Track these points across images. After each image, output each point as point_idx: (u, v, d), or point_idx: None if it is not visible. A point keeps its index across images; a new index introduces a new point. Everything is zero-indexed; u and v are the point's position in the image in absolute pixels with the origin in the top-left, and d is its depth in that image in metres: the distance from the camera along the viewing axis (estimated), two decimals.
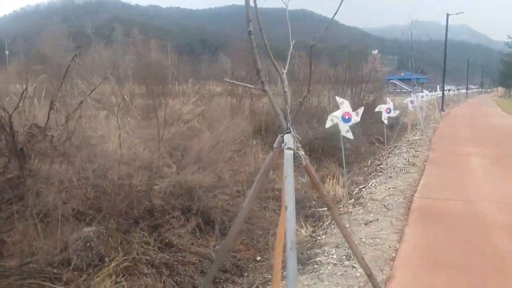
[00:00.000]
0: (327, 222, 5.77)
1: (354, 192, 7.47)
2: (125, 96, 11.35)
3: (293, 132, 2.60)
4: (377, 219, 5.44)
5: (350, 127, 4.89)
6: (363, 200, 6.46)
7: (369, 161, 11.52)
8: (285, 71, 2.68)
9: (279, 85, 14.41)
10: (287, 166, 2.53)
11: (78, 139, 4.63)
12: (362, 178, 9.48)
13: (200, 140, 6.99)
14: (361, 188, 7.58)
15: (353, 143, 14.30)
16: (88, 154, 4.69)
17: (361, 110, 5.07)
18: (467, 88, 75.97)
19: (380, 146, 14.85)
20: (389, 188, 7.08)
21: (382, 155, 11.63)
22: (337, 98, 5.23)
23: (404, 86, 65.67)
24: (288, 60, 2.83)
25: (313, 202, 7.62)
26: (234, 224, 3.01)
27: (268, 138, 11.20)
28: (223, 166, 6.27)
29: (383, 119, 7.32)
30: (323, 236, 5.08)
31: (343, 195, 7.62)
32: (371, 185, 7.55)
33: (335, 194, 7.78)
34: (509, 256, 4.21)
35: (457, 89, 65.52)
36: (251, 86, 3.90)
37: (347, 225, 4.53)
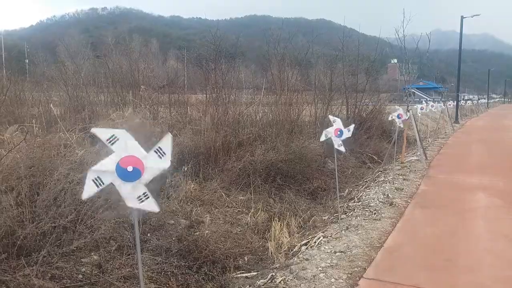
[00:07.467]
0: None
1: (292, 252, 5.07)
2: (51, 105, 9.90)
3: None
4: None
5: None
6: (284, 279, 4.03)
7: (347, 190, 9.10)
8: None
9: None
10: None
11: None
12: (327, 217, 7.12)
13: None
14: (302, 245, 5.15)
15: (339, 163, 11.86)
16: None
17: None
18: (488, 98, 72.69)
19: (373, 166, 12.34)
20: (335, 252, 4.64)
21: (364, 183, 9.17)
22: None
23: (423, 95, 62.88)
24: None
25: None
26: None
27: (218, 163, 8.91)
28: None
29: (336, 146, 5.11)
30: None
31: (283, 250, 5.26)
32: (316, 241, 5.11)
33: (279, 245, 5.40)
34: None
35: (477, 99, 62.21)
36: None
37: None
